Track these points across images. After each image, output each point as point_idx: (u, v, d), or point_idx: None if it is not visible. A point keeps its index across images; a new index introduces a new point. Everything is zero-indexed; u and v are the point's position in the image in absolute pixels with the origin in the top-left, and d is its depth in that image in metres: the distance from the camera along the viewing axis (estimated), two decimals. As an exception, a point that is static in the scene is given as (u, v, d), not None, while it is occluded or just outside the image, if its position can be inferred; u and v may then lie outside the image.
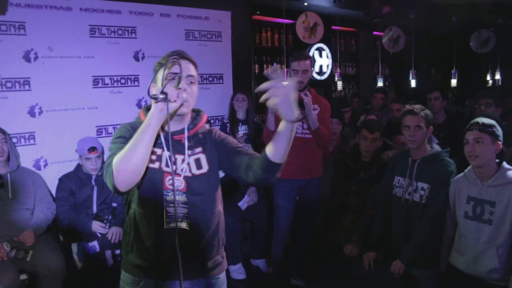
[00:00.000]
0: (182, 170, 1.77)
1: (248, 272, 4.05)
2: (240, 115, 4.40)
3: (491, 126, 2.49)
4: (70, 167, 3.63)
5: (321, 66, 6.75)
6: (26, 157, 3.60)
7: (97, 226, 3.37)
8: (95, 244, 3.33)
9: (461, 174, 2.72)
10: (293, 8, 6.01)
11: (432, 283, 2.87)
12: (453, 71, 6.86)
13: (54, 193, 3.59)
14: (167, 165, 1.75)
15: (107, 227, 3.40)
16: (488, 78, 7.60)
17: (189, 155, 1.80)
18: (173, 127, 1.78)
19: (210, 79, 4.70)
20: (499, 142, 2.48)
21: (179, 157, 1.79)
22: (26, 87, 3.60)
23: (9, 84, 3.53)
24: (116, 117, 4.05)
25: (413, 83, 6.55)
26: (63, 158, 3.77)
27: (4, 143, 3.27)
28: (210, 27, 4.66)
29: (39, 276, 3.10)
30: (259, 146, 3.86)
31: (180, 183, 1.76)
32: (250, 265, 4.20)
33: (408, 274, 2.87)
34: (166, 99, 1.57)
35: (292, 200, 3.57)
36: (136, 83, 4.18)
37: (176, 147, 1.78)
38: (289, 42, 6.48)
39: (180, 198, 1.76)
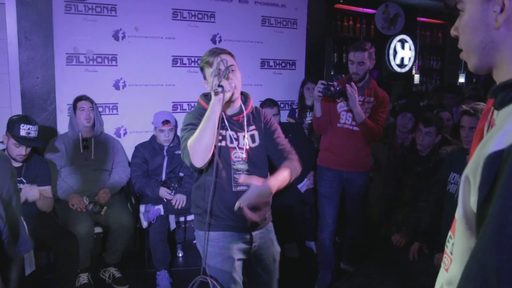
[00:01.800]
0: (244, 144, 2.19)
1: (301, 252, 4.21)
2: (309, 102, 4.51)
3: None
4: (146, 137, 4.02)
5: (402, 58, 6.62)
6: (109, 125, 4.05)
7: (164, 192, 3.71)
8: (160, 207, 3.65)
9: None
10: (377, -2, 5.97)
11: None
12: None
13: (130, 159, 3.99)
14: (231, 142, 2.17)
15: (173, 194, 3.72)
16: None
17: (247, 131, 2.23)
18: (231, 110, 2.22)
19: (283, 64, 4.86)
20: None
21: (241, 134, 2.21)
22: (113, 62, 4.03)
23: (99, 59, 3.97)
24: (191, 95, 4.35)
25: (500, 80, 6.19)
26: (140, 129, 4.17)
27: (91, 111, 3.71)
28: (287, 15, 4.79)
29: (110, 229, 3.53)
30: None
31: (243, 155, 2.18)
32: (304, 245, 4.35)
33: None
34: (223, 91, 2.00)
35: (335, 190, 3.51)
36: (212, 65, 4.45)
37: (237, 126, 2.21)
38: (370, 32, 6.43)
39: (244, 167, 2.18)
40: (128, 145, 4.06)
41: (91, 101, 3.73)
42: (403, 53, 6.63)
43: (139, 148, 3.91)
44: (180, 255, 4.06)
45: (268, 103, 4.22)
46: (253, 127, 2.26)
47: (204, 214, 2.19)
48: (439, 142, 3.51)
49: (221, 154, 2.14)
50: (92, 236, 3.42)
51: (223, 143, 2.15)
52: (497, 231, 0.64)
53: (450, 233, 0.98)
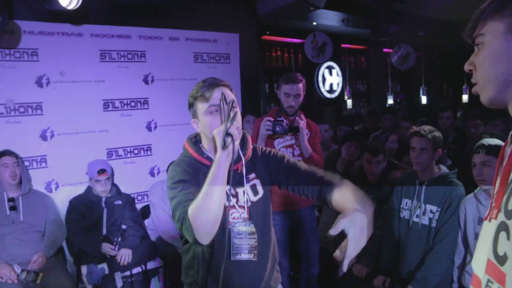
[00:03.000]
0: (244, 202, 1.76)
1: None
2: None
3: (498, 148, 2.40)
4: (81, 190, 3.69)
5: (331, 84, 6.78)
6: (38, 179, 3.68)
7: (106, 248, 3.41)
8: (104, 266, 3.36)
9: (471, 194, 2.66)
10: (303, 28, 6.09)
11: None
12: (464, 87, 6.79)
13: (65, 215, 3.64)
14: (228, 200, 1.70)
15: (116, 249, 3.44)
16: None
17: (247, 183, 1.79)
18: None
19: (219, 100, 4.74)
20: None
21: (240, 190, 1.76)
22: (38, 111, 3.70)
23: (21, 109, 3.63)
24: (126, 139, 4.14)
25: (423, 100, 6.52)
26: (74, 181, 3.84)
27: (17, 166, 3.35)
28: (219, 50, 4.72)
29: (48, 298, 3.15)
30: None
31: (244, 214, 1.76)
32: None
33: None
34: (233, 141, 1.51)
35: (285, 232, 3.35)
36: (145, 106, 4.25)
37: (235, 178, 1.72)
38: (299, 61, 6.54)
39: (247, 228, 1.75)
40: (62, 200, 3.71)
41: (16, 156, 3.38)
42: (331, 79, 6.80)
43: (74, 202, 3.59)
44: (128, 314, 3.73)
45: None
46: (253, 175, 1.81)
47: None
48: (386, 167, 3.55)
49: None
50: (28, 309, 3.04)
51: None
52: None
53: (487, 277, 0.91)
